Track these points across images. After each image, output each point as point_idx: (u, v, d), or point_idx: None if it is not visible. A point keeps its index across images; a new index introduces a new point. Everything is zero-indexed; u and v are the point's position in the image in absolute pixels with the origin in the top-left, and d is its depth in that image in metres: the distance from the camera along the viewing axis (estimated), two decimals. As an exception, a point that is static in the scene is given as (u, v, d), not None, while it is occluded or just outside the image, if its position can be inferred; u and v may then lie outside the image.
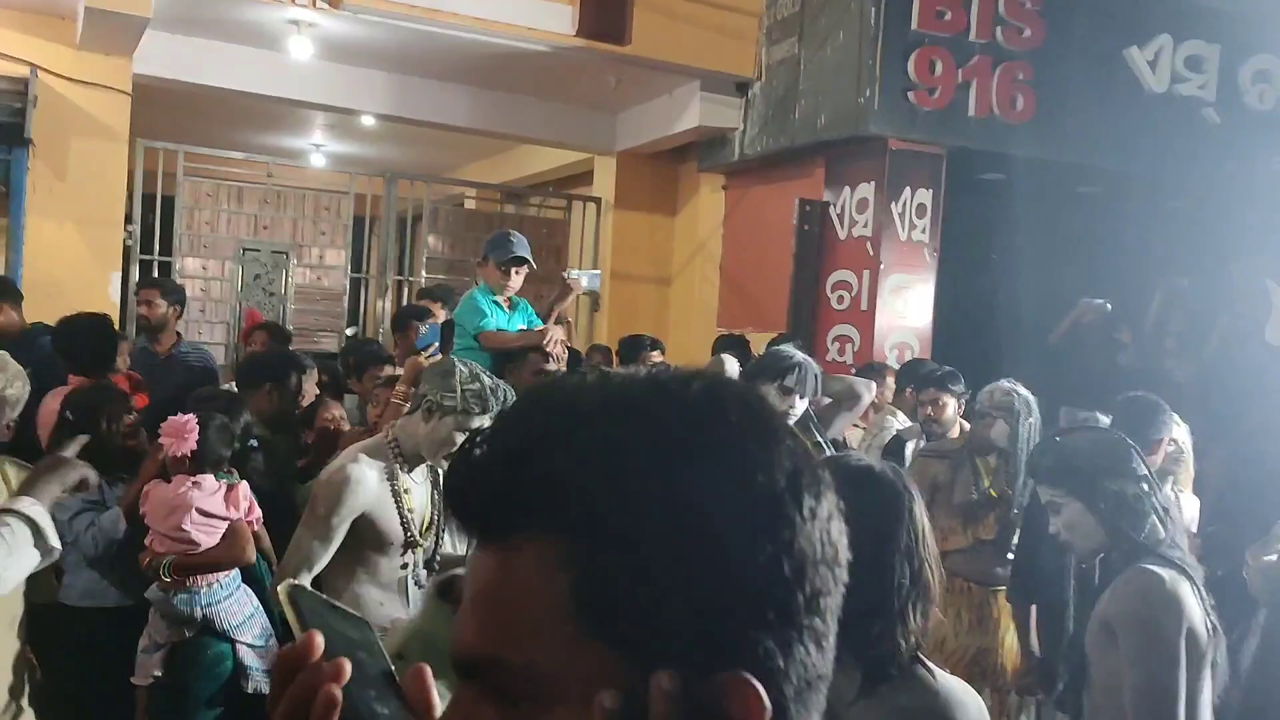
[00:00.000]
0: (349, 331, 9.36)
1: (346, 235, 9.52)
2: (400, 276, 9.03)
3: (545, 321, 4.93)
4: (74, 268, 6.74)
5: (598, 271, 5.49)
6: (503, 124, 8.70)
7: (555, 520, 0.56)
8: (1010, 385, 4.17)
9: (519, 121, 8.68)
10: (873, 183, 7.02)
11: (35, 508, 2.29)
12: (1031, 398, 4.14)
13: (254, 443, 3.83)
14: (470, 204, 11.70)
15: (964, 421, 4.77)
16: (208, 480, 3.38)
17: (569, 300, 5.27)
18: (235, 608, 3.39)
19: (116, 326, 4.97)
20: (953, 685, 1.65)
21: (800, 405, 3.91)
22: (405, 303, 8.72)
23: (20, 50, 6.68)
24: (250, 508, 3.50)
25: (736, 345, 5.95)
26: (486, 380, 2.93)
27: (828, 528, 0.60)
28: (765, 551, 0.56)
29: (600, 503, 0.55)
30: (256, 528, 3.58)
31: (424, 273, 9.06)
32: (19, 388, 2.75)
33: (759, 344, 5.94)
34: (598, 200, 9.34)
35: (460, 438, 2.87)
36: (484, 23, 6.79)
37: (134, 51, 6.82)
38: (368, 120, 9.21)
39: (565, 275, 5.55)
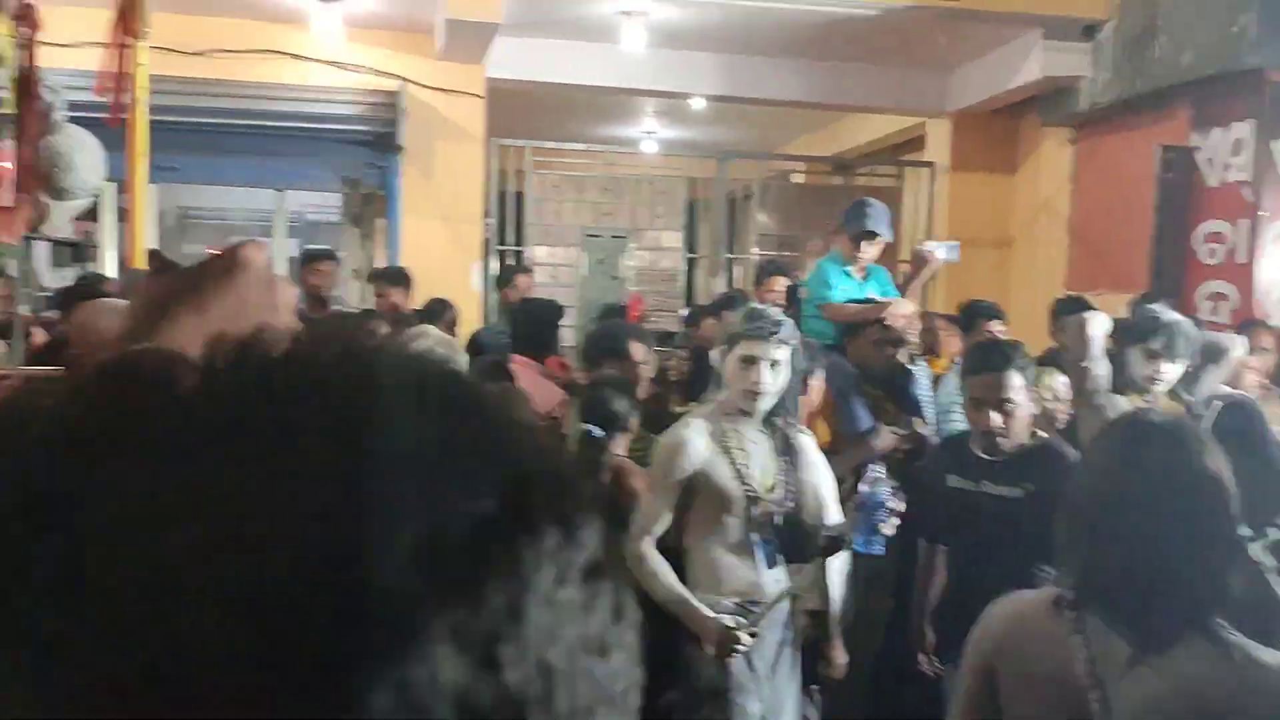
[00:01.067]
0: (683, 311, 9.62)
1: (681, 217, 9.77)
2: (732, 255, 9.15)
3: (902, 296, 4.81)
4: (441, 260, 7.37)
5: (955, 243, 5.24)
6: (831, 94, 8.58)
7: None
8: None
9: (848, 90, 8.52)
10: (1250, 122, 6.25)
11: None
12: None
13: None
14: (799, 178, 11.65)
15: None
16: None
17: (925, 275, 5.09)
18: None
19: (481, 313, 5.45)
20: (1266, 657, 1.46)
21: (1170, 370, 3.56)
22: (736, 280, 8.84)
23: (391, 66, 7.40)
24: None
25: (1077, 308, 5.52)
26: (766, 309, 3.06)
27: None
28: None
29: None
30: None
31: (755, 250, 9.14)
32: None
33: (1113, 306, 5.48)
34: (930, 165, 9.00)
35: (750, 371, 2.94)
36: (811, -8, 6.71)
37: (486, 57, 7.35)
38: (698, 103, 9.39)
39: (920, 248, 5.37)
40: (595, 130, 11.24)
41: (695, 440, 3.02)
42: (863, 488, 3.36)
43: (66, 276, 7.73)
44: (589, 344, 4.38)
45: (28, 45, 2.33)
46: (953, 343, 5.32)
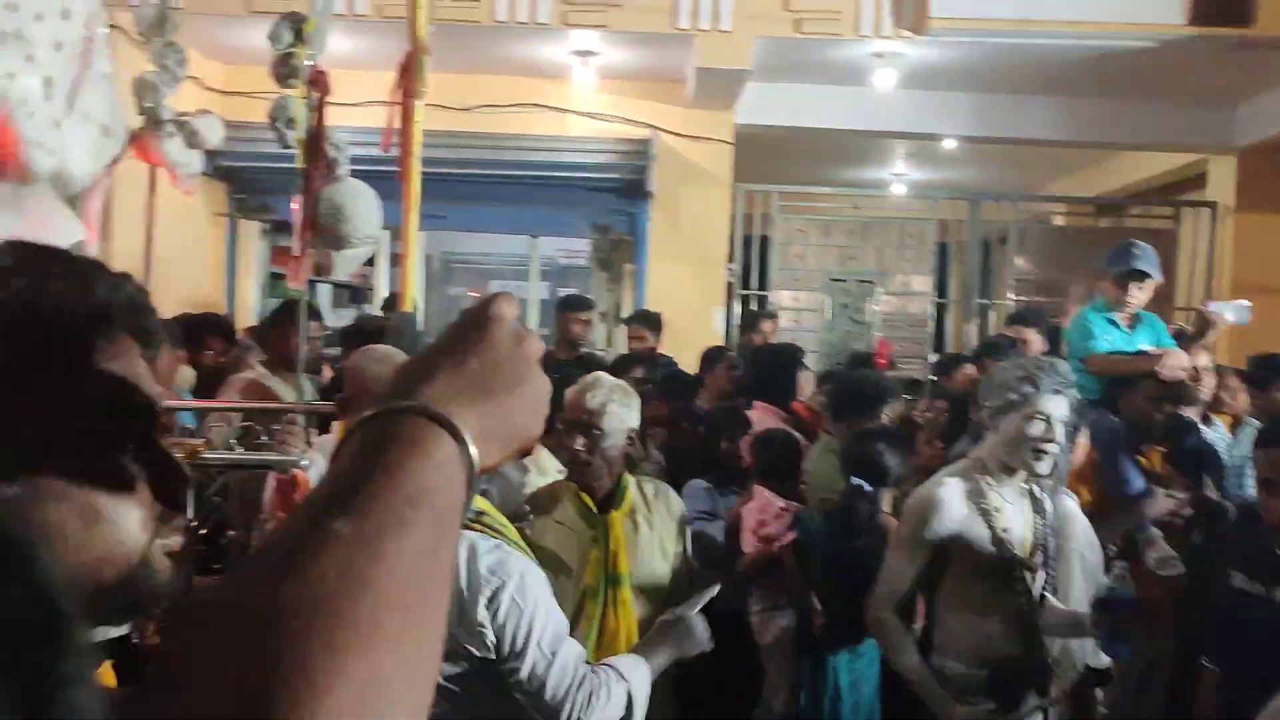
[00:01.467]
0: (932, 358, 9.28)
1: (930, 261, 9.48)
2: (985, 300, 8.77)
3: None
4: (684, 304, 7.45)
5: (1245, 303, 4.76)
6: (1098, 132, 8.10)
7: None
8: None
9: (1116, 128, 8.01)
10: None
11: (638, 673, 2.09)
12: None
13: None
14: (1059, 220, 11.05)
15: None
16: None
17: (1211, 338, 4.66)
18: None
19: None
20: None
21: None
22: (990, 327, 8.45)
23: (642, 115, 7.59)
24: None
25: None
26: (1028, 361, 2.87)
27: None
28: None
29: None
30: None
31: (1010, 295, 8.71)
32: (615, 409, 2.75)
33: None
34: (1212, 205, 8.30)
35: (1035, 425, 2.76)
36: (1078, 25, 6.36)
37: (735, 103, 7.41)
38: (949, 144, 9.10)
39: (1205, 309, 4.93)
40: (842, 173, 11.11)
41: (951, 500, 2.85)
42: (1107, 581, 2.94)
43: (345, 317, 8.36)
44: (840, 393, 4.27)
45: (317, 108, 2.53)
46: (1240, 399, 4.84)
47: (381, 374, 2.66)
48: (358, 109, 5.60)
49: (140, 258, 3.70)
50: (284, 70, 2.60)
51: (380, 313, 7.06)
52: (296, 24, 2.60)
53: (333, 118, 5.87)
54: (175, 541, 0.83)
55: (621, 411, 2.76)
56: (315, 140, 2.53)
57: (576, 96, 7.51)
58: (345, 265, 2.62)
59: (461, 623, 1.94)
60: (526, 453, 0.76)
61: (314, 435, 2.72)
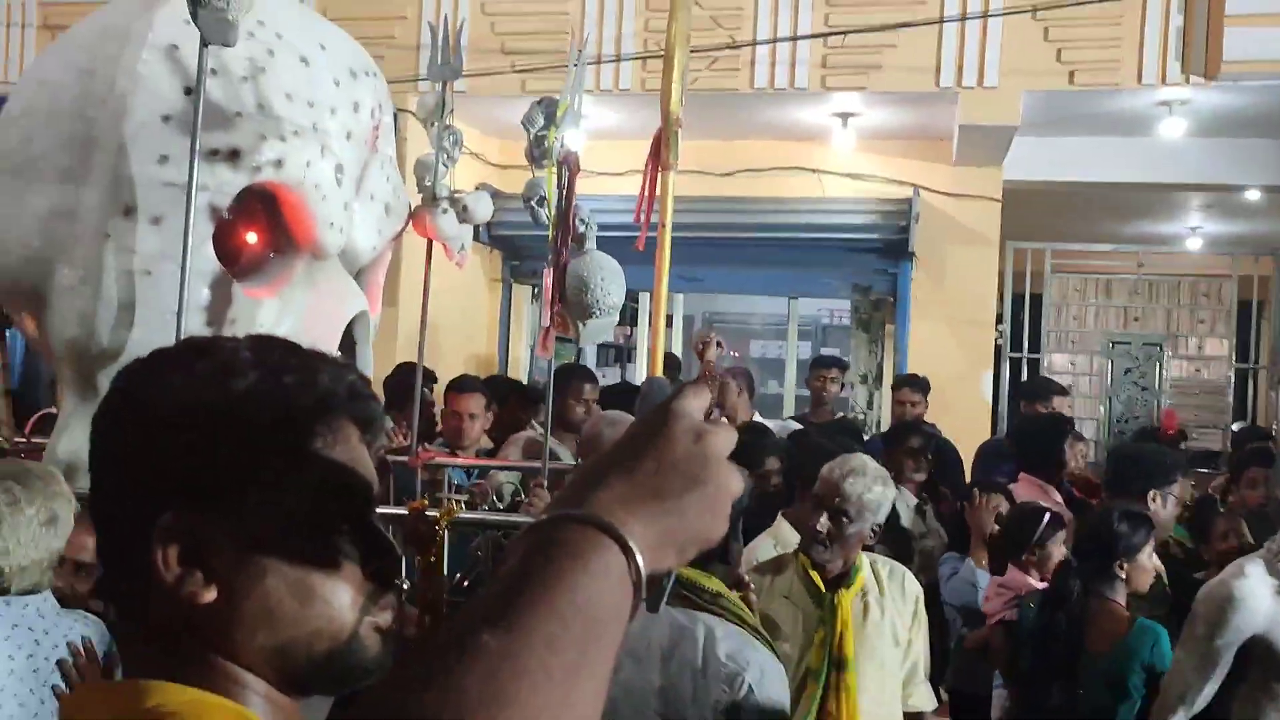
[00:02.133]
0: (1235, 427, 8.46)
1: (1230, 322, 8.68)
2: (1295, 365, 7.92)
3: None
4: (949, 367, 7.17)
5: None
6: None
7: None
8: None
9: None
10: None
11: None
12: None
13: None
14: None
15: None
16: None
17: None
18: None
19: (990, 424, 5.22)
20: None
21: None
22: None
23: (903, 174, 7.44)
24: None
25: None
26: None
27: None
28: None
29: None
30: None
31: (1326, 360, 7.83)
32: (871, 500, 2.67)
33: None
34: None
35: None
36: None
37: (1004, 159, 7.13)
38: (1252, 195, 8.34)
39: None
40: (1122, 228, 10.42)
41: (1256, 596, 2.55)
42: None
43: (609, 376, 8.66)
44: (1118, 467, 3.96)
45: (567, 186, 2.65)
46: None
47: (613, 438, 2.71)
48: (621, 178, 5.84)
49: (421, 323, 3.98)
50: (537, 151, 2.75)
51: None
52: (550, 108, 2.75)
53: (597, 187, 6.16)
54: (385, 619, 0.87)
55: (877, 503, 2.67)
56: (564, 216, 2.66)
57: (836, 157, 7.47)
58: (590, 335, 2.72)
59: (694, 702, 1.93)
60: (711, 553, 0.75)
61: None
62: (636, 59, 6.60)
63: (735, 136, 7.36)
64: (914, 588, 2.84)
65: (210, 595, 0.79)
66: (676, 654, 1.94)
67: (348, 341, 3.45)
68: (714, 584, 2.03)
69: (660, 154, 3.56)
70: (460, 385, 4.64)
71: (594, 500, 0.66)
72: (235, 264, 3.10)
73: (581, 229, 2.68)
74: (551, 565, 0.61)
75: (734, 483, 0.72)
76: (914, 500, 4.50)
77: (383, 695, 0.59)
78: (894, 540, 3.56)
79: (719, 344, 5.42)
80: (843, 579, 2.68)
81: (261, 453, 0.81)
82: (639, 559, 0.64)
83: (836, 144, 7.28)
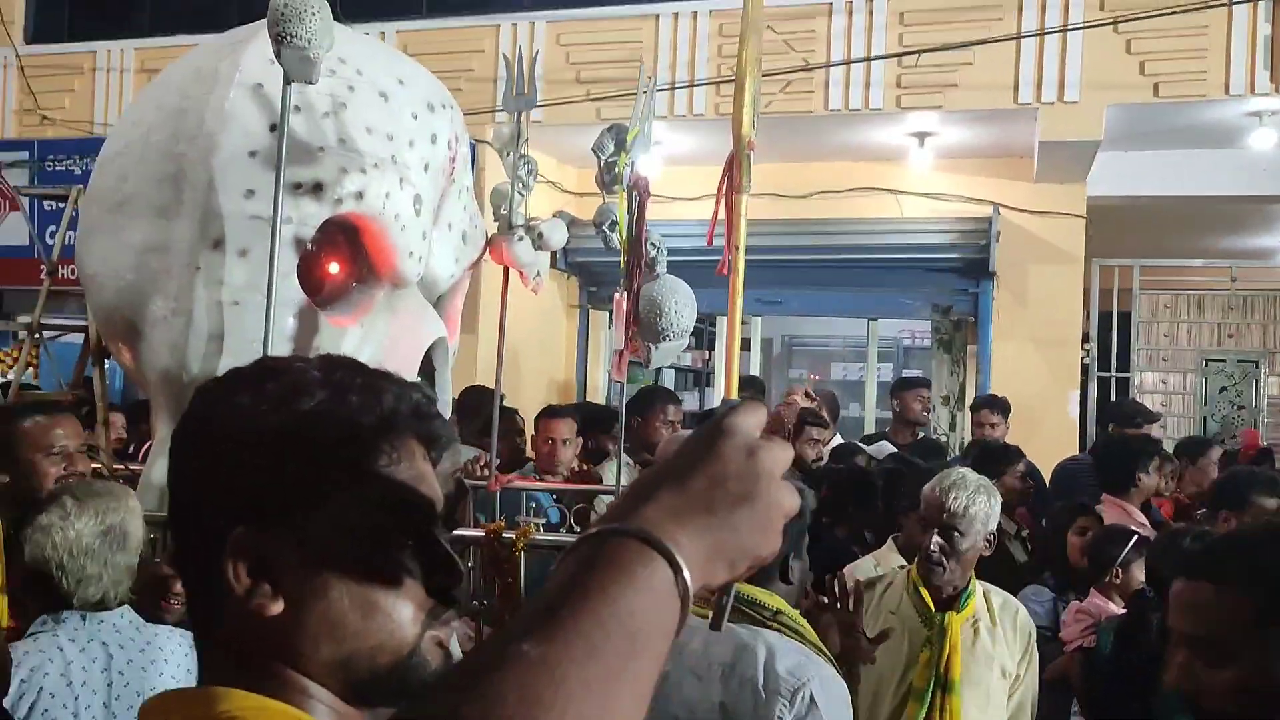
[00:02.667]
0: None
1: (1331, 337, 8.37)
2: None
3: None
4: (1035, 387, 7.03)
5: None
6: None
7: None
8: None
9: None
10: None
11: None
12: None
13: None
14: None
15: None
16: None
17: None
18: None
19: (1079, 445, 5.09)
20: None
21: None
22: None
23: (983, 192, 7.34)
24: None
25: None
26: None
27: None
28: None
29: None
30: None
31: None
32: (977, 511, 2.63)
33: None
34: None
35: None
36: None
37: (1087, 175, 7.00)
38: (1351, 205, 8.05)
39: None
40: (1214, 242, 10.11)
41: None
42: None
43: (687, 400, 8.66)
44: (1222, 490, 3.85)
45: (638, 211, 2.69)
46: None
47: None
48: (697, 203, 5.87)
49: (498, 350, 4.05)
50: (608, 177, 2.79)
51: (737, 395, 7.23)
52: (620, 134, 2.79)
53: (674, 213, 6.19)
54: (446, 633, 0.89)
55: (985, 515, 2.63)
56: (635, 241, 2.69)
57: (913, 177, 7.40)
58: (660, 358, 2.74)
59: (747, 713, 1.92)
60: (772, 570, 0.76)
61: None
62: (710, 84, 6.64)
63: (811, 159, 7.35)
64: (1026, 622, 2.77)
65: (277, 608, 0.82)
66: (738, 670, 1.93)
67: (427, 367, 3.52)
68: (775, 601, 2.02)
69: (733, 176, 3.59)
70: (552, 411, 4.78)
71: (642, 514, 0.66)
72: (319, 293, 3.20)
73: (653, 253, 2.71)
74: (595, 577, 0.62)
75: (786, 499, 0.73)
76: (1013, 527, 4.40)
77: (423, 704, 0.60)
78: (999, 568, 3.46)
79: (808, 394, 5.46)
80: (953, 601, 2.65)
81: (326, 471, 0.84)
82: (686, 573, 0.64)
83: (913, 164, 7.22)
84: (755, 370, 8.63)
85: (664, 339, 2.66)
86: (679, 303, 2.68)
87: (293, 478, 0.84)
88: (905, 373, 11.42)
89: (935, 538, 2.62)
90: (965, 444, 6.69)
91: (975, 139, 7.00)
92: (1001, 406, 5.81)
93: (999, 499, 2.75)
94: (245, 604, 0.83)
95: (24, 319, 4.22)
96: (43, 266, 4.23)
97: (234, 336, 2.96)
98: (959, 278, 7.56)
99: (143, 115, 3.26)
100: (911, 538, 2.78)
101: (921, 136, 6.96)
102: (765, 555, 0.72)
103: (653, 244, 2.72)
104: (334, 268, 3.25)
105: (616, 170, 2.74)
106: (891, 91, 6.49)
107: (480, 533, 2.65)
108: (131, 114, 3.35)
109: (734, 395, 3.16)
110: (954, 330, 8.18)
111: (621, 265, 2.79)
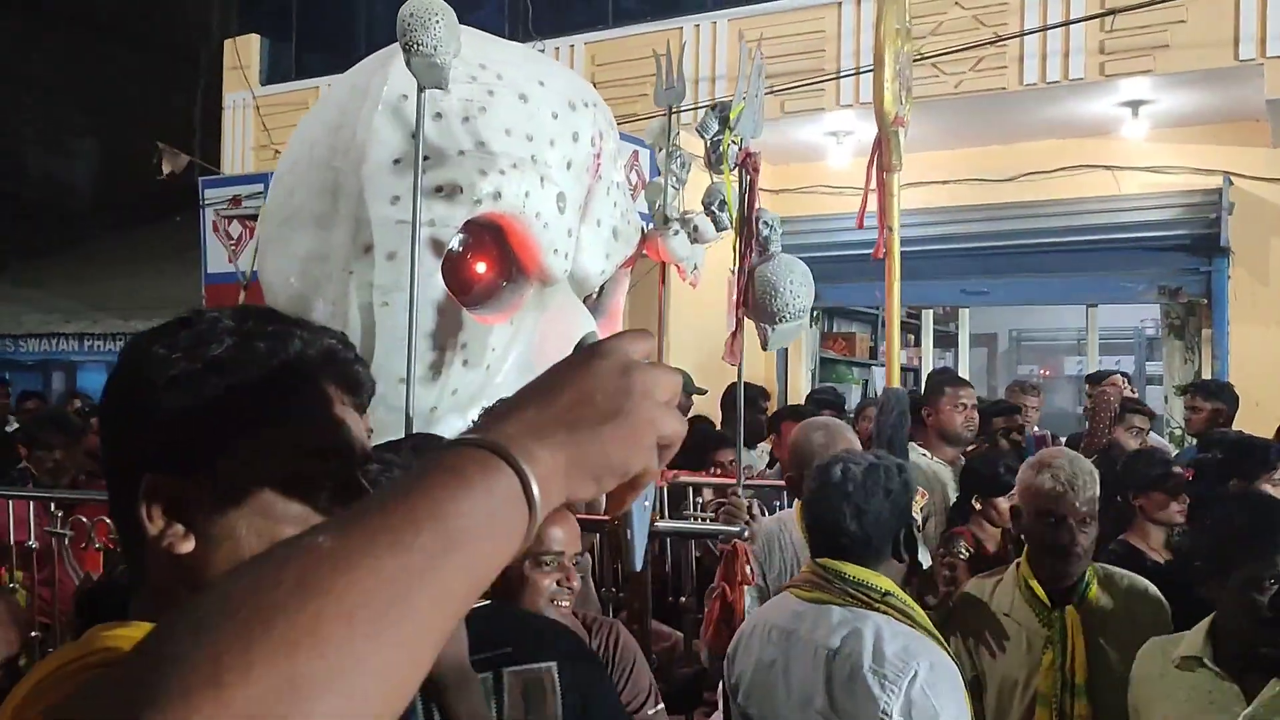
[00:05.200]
0: None
1: None
2: None
3: None
4: (1278, 373, 6.36)
5: None
6: None
7: None
8: None
9: None
10: None
11: None
12: None
13: None
14: None
15: None
16: None
17: None
18: None
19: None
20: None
21: None
22: None
23: (1210, 162, 6.71)
24: None
25: None
26: None
27: None
28: None
29: None
30: None
31: None
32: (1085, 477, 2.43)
33: None
34: None
35: None
36: None
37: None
38: None
39: None
40: None
41: None
42: None
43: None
44: None
45: (748, 189, 2.62)
46: None
47: (823, 444, 2.62)
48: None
49: (659, 345, 4.05)
50: (714, 156, 2.73)
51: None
52: (723, 113, 2.72)
53: (850, 205, 6.00)
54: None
55: (1090, 489, 2.42)
56: (747, 220, 2.62)
57: (1127, 150, 6.87)
58: (778, 339, 2.64)
59: (864, 698, 1.84)
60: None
61: (756, 508, 2.75)
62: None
63: (1012, 139, 6.97)
64: (1158, 606, 2.46)
65: (188, 546, 0.85)
66: (844, 653, 1.87)
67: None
68: (884, 583, 1.92)
69: (882, 156, 3.45)
70: None
71: (501, 429, 0.64)
72: (467, 293, 3.31)
73: (765, 232, 2.63)
74: (424, 481, 0.61)
75: (665, 421, 0.69)
76: None
77: (209, 587, 0.58)
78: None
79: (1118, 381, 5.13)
80: (1069, 592, 2.42)
81: (233, 415, 0.87)
82: (534, 482, 0.62)
83: (1127, 135, 6.70)
84: (963, 368, 8.20)
85: (780, 320, 2.58)
86: (795, 282, 2.59)
87: (200, 423, 0.87)
88: (1148, 365, 10.57)
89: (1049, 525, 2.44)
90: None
91: (1197, 103, 6.41)
92: (1206, 391, 5.20)
93: (1094, 471, 2.50)
94: (159, 544, 0.86)
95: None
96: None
97: (384, 335, 3.11)
98: (1188, 256, 6.97)
99: (309, 132, 3.49)
100: (1021, 528, 2.56)
101: (1135, 105, 6.45)
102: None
103: (765, 223, 2.64)
104: (481, 268, 3.36)
105: (722, 149, 2.69)
106: (1094, 59, 6.05)
107: (605, 518, 2.64)
108: (300, 131, 3.59)
109: (895, 383, 3.02)
110: (1186, 314, 7.53)
111: (732, 245, 2.73)
